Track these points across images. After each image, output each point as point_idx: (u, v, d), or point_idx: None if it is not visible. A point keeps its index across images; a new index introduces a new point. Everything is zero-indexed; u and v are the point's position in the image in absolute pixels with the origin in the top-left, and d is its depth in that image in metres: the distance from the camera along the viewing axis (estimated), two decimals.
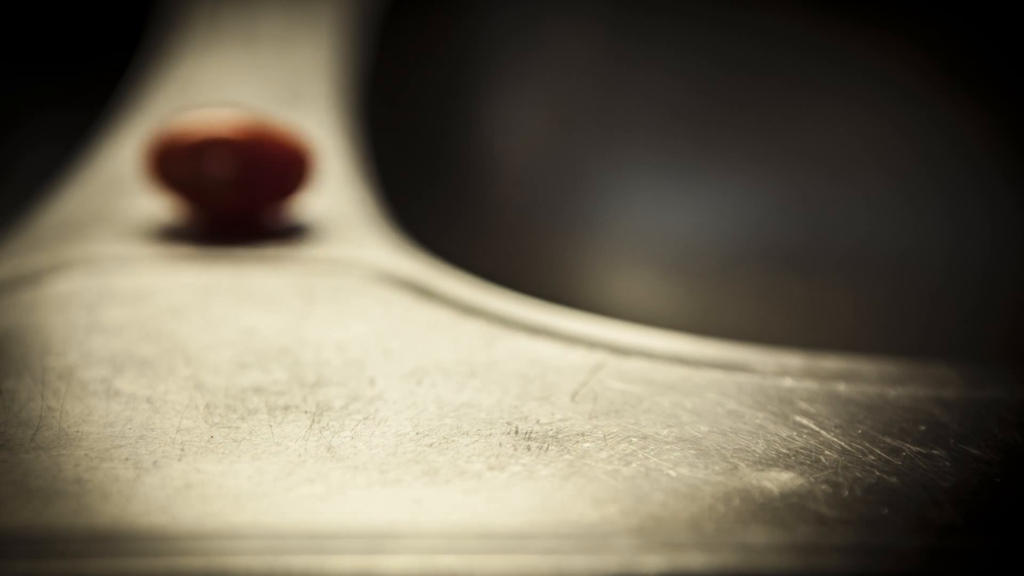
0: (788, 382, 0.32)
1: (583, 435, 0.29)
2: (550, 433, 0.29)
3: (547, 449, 0.29)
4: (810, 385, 0.32)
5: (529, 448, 0.29)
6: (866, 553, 0.25)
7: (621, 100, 0.68)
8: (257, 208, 0.42)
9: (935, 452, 0.29)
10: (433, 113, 0.67)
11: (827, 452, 0.29)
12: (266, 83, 0.55)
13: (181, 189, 0.41)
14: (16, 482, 0.27)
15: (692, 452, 0.28)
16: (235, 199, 0.41)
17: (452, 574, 0.24)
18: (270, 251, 0.40)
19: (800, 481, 0.27)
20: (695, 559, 0.25)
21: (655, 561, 0.25)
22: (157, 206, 0.43)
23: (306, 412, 0.30)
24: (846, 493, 0.27)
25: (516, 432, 0.29)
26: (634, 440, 0.29)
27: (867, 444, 0.29)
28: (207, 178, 0.41)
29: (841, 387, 0.32)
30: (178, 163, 0.41)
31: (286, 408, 0.30)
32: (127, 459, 0.28)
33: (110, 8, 0.68)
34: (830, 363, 0.33)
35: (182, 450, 0.28)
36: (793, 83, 0.68)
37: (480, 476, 0.27)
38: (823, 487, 0.27)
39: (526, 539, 0.25)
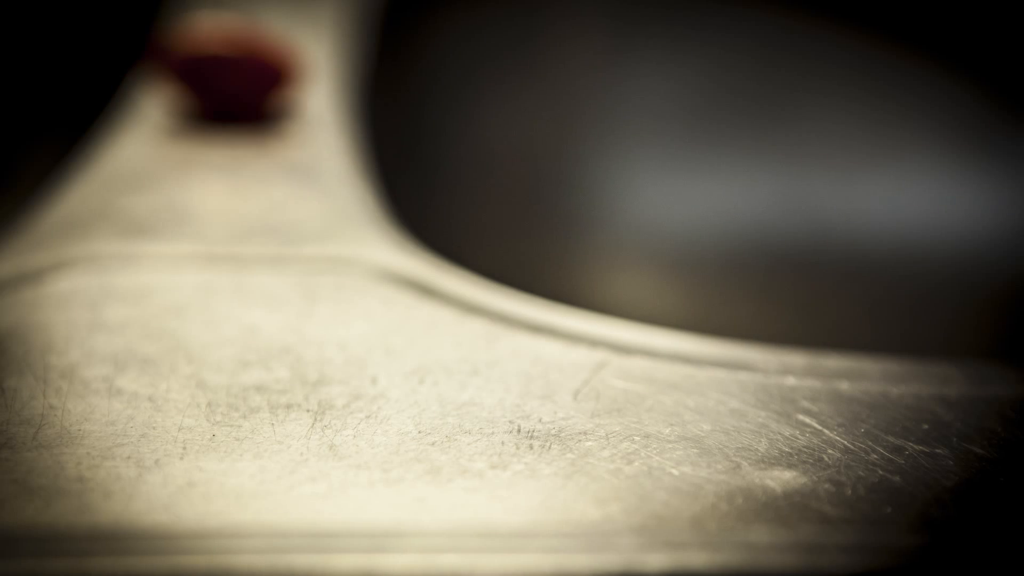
0: (791, 381, 0.32)
1: (585, 434, 0.29)
2: (552, 432, 0.29)
3: (549, 448, 0.29)
4: (813, 384, 0.32)
5: (531, 447, 0.29)
6: (869, 552, 0.25)
7: (622, 100, 0.68)
8: (252, 100, 0.53)
9: (938, 451, 0.29)
10: (434, 111, 0.67)
11: (830, 451, 0.28)
12: None
13: (185, 83, 0.52)
14: (18, 480, 0.27)
15: (695, 451, 0.28)
16: (233, 96, 0.52)
17: (454, 573, 0.24)
18: (272, 250, 0.40)
19: (803, 480, 0.27)
20: (698, 558, 0.25)
21: (657, 560, 0.25)
22: (166, 97, 0.53)
23: (308, 411, 0.30)
24: (849, 492, 0.27)
25: (518, 431, 0.29)
26: (636, 439, 0.29)
27: (870, 443, 0.29)
28: (208, 81, 0.52)
29: (844, 386, 0.32)
30: (184, 67, 0.52)
31: (288, 407, 0.30)
32: (129, 457, 0.28)
33: (114, 5, 0.68)
34: (832, 362, 0.33)
35: (184, 449, 0.28)
36: (794, 82, 0.68)
37: (482, 475, 0.27)
38: (826, 486, 0.27)
39: (528, 538, 0.25)
